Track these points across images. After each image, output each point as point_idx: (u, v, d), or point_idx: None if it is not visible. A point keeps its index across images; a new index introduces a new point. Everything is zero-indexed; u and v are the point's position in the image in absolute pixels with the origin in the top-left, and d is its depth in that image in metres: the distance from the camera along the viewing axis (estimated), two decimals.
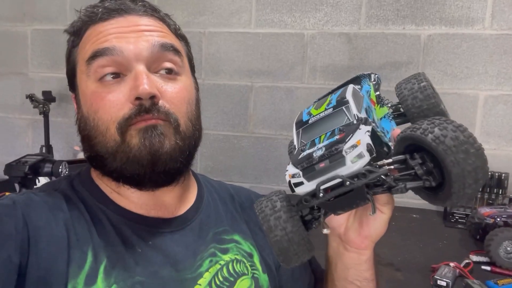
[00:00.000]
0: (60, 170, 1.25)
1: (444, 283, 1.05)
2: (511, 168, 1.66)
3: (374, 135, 0.43)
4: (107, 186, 0.59)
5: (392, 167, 0.41)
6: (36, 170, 1.21)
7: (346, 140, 0.41)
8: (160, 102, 0.54)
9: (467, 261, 1.19)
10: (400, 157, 0.41)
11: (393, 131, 0.51)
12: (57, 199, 0.56)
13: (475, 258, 1.22)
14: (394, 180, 0.41)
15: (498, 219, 1.25)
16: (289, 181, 0.43)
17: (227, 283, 0.59)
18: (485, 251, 1.20)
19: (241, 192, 0.74)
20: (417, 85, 0.49)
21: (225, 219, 0.66)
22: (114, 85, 0.54)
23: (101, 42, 0.54)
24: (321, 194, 0.41)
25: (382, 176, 0.40)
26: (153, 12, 0.59)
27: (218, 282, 0.58)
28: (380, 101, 0.53)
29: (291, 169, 0.43)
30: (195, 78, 0.65)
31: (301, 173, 0.42)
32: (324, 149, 0.41)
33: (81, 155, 1.84)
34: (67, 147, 2.09)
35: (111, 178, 0.57)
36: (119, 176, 0.56)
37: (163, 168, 0.55)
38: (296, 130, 0.48)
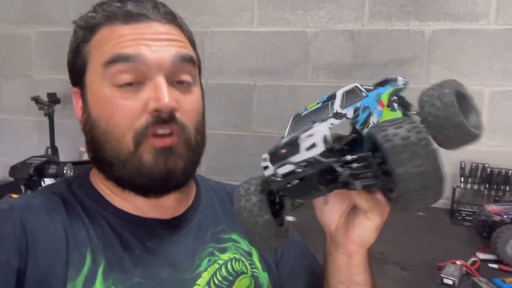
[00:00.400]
0: (65, 171, 1.25)
1: (450, 282, 1.04)
2: None
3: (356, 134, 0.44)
4: (105, 189, 0.59)
5: (356, 164, 0.40)
6: (41, 171, 1.21)
7: (306, 129, 0.42)
8: (177, 115, 0.54)
9: (474, 259, 1.18)
10: (362, 154, 0.41)
11: None
12: (55, 202, 0.56)
13: (482, 256, 1.21)
14: (352, 176, 0.40)
15: (505, 216, 1.24)
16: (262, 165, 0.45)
17: (226, 282, 0.59)
18: (492, 249, 1.18)
19: None
20: (437, 92, 0.45)
21: (223, 219, 0.66)
22: (132, 93, 0.53)
23: (123, 47, 0.53)
24: (278, 179, 0.42)
25: (339, 170, 0.40)
26: (174, 19, 0.58)
27: (217, 282, 0.58)
28: (391, 104, 0.51)
29: (264, 154, 0.45)
30: (201, 84, 0.64)
31: (268, 157, 0.43)
32: (289, 137, 0.43)
33: (86, 156, 1.84)
34: (73, 148, 2.10)
35: (116, 183, 0.57)
36: (126, 184, 0.56)
37: (175, 183, 0.56)
38: (291, 121, 0.50)
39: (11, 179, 1.25)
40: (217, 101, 1.99)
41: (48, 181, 1.26)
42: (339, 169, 0.40)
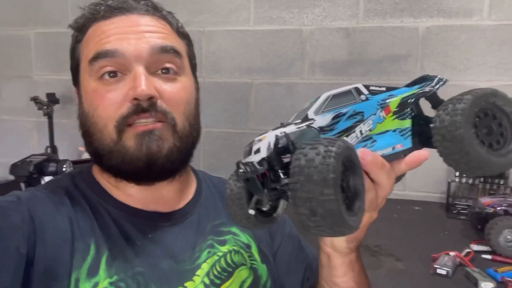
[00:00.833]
0: (64, 169, 1.27)
1: (444, 272, 1.06)
2: None
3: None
4: (107, 182, 0.61)
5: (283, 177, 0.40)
6: (41, 169, 1.23)
7: (263, 133, 0.41)
8: (158, 102, 0.55)
9: (467, 250, 1.20)
10: (279, 169, 0.40)
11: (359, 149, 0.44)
12: (60, 195, 0.57)
13: (476, 247, 1.23)
14: (280, 188, 0.40)
15: (498, 208, 1.25)
16: None
17: (225, 273, 0.60)
18: (486, 240, 1.20)
19: None
20: (452, 106, 0.41)
21: (223, 212, 0.67)
22: (114, 84, 0.55)
23: (103, 43, 0.55)
24: (239, 171, 0.42)
25: (269, 179, 0.40)
26: (155, 11, 0.59)
27: (216, 273, 0.60)
28: (401, 110, 0.46)
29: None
30: (196, 78, 0.65)
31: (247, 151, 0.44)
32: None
33: (85, 155, 1.86)
34: (72, 148, 2.12)
35: (110, 173, 0.59)
36: (117, 172, 0.58)
37: (159, 169, 0.57)
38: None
39: (12, 178, 1.27)
40: (215, 99, 2.01)
41: (47, 179, 1.28)
42: (272, 179, 0.40)
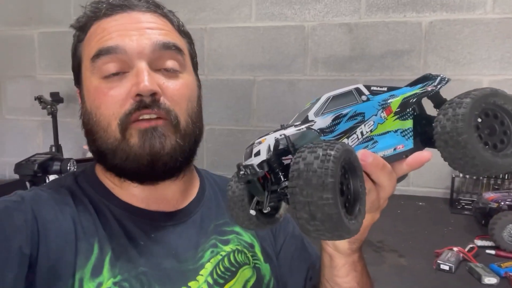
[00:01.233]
0: (68, 167, 1.28)
1: (447, 267, 1.06)
2: None
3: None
4: (110, 182, 0.61)
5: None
6: (45, 168, 1.24)
7: (263, 136, 0.41)
8: (161, 99, 0.55)
9: (471, 245, 1.19)
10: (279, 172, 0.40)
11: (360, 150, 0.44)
12: (63, 195, 0.57)
13: (479, 242, 1.22)
14: (272, 187, 0.40)
15: (502, 203, 1.24)
16: None
17: (228, 273, 0.60)
18: (489, 235, 1.20)
19: None
20: (452, 111, 0.41)
21: (226, 212, 0.67)
22: (116, 82, 0.55)
23: (105, 40, 0.55)
24: (240, 174, 0.42)
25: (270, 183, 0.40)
26: (156, 8, 0.60)
27: (219, 272, 0.60)
28: (403, 110, 0.45)
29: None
30: (197, 76, 0.65)
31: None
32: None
33: (90, 154, 1.88)
34: (77, 146, 2.13)
35: (113, 173, 0.59)
36: (120, 172, 0.58)
37: (163, 167, 0.57)
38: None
39: (17, 177, 1.28)
40: (218, 96, 2.01)
41: (52, 178, 1.29)
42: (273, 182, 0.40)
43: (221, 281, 0.59)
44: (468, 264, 1.08)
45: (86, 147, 2.25)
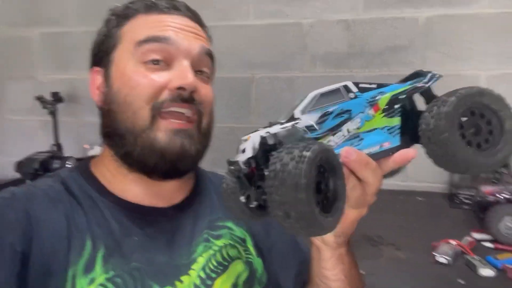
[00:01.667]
0: (68, 166, 1.30)
1: (444, 260, 1.06)
2: None
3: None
4: (105, 177, 0.61)
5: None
6: (45, 166, 1.26)
7: (250, 133, 0.42)
8: (196, 97, 0.58)
9: (469, 238, 1.20)
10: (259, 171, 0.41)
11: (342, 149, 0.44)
12: (56, 190, 0.58)
13: (477, 236, 1.23)
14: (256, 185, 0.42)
15: (500, 196, 1.25)
16: None
17: (220, 267, 0.61)
18: (487, 228, 1.20)
19: None
20: (437, 109, 0.42)
21: (219, 208, 0.68)
22: (158, 70, 0.58)
23: (159, 30, 0.58)
24: (229, 168, 0.44)
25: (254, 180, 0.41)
26: (200, 19, 0.65)
27: (211, 267, 0.60)
28: (391, 107, 0.46)
29: None
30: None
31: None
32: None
33: (90, 153, 1.89)
34: (77, 146, 2.15)
35: (124, 160, 0.59)
36: (134, 161, 0.58)
37: (183, 167, 0.59)
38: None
39: (19, 176, 1.30)
40: (217, 95, 1.98)
41: None
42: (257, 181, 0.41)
43: (213, 275, 0.60)
44: (465, 256, 1.09)
45: (87, 146, 2.26)
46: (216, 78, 0.70)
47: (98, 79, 0.62)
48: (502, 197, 1.24)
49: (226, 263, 0.62)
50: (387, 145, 0.46)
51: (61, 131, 2.05)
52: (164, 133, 0.56)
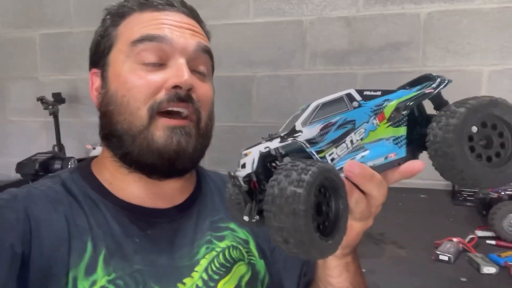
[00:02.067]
0: (69, 166, 1.30)
1: (446, 258, 1.05)
2: None
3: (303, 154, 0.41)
4: (106, 178, 0.61)
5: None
6: (46, 167, 1.26)
7: (249, 147, 0.41)
8: (194, 96, 0.58)
9: (472, 236, 1.19)
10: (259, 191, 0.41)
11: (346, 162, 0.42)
12: (57, 192, 0.57)
13: (480, 233, 1.22)
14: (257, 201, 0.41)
15: (503, 193, 1.24)
16: None
17: (223, 269, 0.60)
18: (490, 225, 1.19)
19: None
20: (445, 120, 0.40)
21: (221, 208, 0.67)
22: (154, 70, 0.57)
23: (153, 28, 0.57)
24: (231, 182, 0.43)
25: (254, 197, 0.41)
26: (197, 15, 0.64)
27: (214, 268, 0.60)
28: (396, 116, 0.43)
29: None
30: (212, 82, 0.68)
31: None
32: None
33: (93, 153, 1.89)
34: (79, 146, 2.15)
35: (123, 161, 0.59)
36: (133, 161, 0.58)
37: (181, 166, 0.58)
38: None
39: (19, 178, 1.30)
40: (218, 93, 1.99)
41: None
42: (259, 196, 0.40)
43: (216, 277, 0.59)
44: (468, 254, 1.08)
45: (89, 146, 2.26)
46: (215, 77, 0.70)
47: (96, 80, 0.62)
48: (506, 194, 1.23)
49: (229, 265, 0.61)
50: (392, 157, 0.44)
51: (63, 132, 2.05)
52: (162, 131, 0.55)
